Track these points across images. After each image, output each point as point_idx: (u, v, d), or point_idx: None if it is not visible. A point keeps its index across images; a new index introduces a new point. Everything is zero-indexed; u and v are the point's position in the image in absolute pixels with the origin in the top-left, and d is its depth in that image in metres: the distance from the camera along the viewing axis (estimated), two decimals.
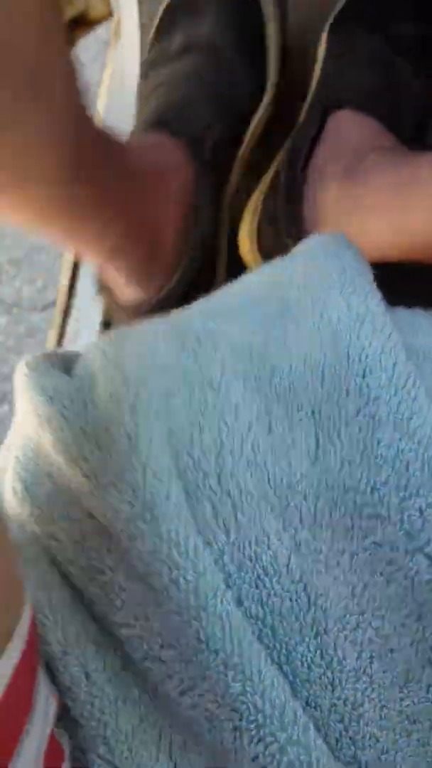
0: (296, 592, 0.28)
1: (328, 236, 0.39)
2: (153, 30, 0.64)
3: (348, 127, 0.54)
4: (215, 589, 0.27)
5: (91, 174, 0.46)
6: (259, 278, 0.38)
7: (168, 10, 0.63)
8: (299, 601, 0.28)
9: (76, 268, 0.78)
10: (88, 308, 0.74)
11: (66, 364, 0.38)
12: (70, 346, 0.73)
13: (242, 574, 0.28)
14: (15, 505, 0.34)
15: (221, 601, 0.26)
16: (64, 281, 0.78)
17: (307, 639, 0.27)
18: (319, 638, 0.27)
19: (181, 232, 0.56)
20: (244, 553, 0.29)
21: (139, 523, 0.28)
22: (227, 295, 0.38)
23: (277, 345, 0.32)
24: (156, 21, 0.64)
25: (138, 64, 0.77)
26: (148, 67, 0.65)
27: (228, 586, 0.27)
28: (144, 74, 0.65)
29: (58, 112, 0.40)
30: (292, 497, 0.29)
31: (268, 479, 0.29)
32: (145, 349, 0.33)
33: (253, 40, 0.60)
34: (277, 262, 0.39)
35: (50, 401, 0.32)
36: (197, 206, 0.55)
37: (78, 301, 0.76)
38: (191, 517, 0.28)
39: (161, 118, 0.58)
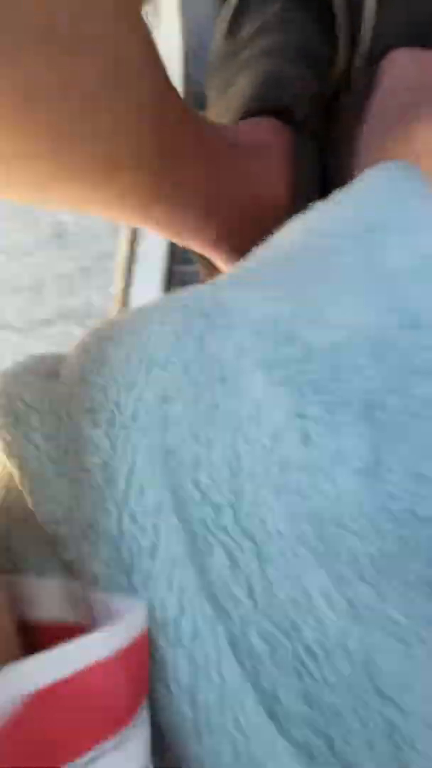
0: (360, 685, 0.18)
1: (389, 166, 0.29)
2: (224, 25, 0.62)
3: (404, 66, 0.46)
4: (233, 699, 0.17)
5: (182, 157, 0.43)
6: (301, 225, 0.29)
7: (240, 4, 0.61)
8: (366, 698, 0.18)
9: (129, 272, 0.72)
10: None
11: (58, 366, 0.30)
12: None
13: (276, 659, 0.19)
14: None
15: (242, 720, 0.17)
16: (119, 285, 0.72)
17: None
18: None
19: (287, 209, 0.50)
20: (277, 627, 0.19)
21: (112, 589, 0.19)
22: (253, 255, 0.29)
23: (312, 314, 0.23)
24: (228, 16, 0.62)
25: (179, 47, 0.74)
26: (219, 62, 0.61)
27: (255, 688, 0.18)
28: (215, 68, 0.62)
29: (144, 91, 0.37)
30: (342, 537, 0.19)
31: (307, 512, 0.20)
32: (136, 339, 0.24)
33: (321, 5, 0.56)
34: (322, 204, 0.29)
35: (14, 422, 0.24)
36: (301, 180, 0.51)
37: (135, 303, 0.69)
38: (196, 578, 0.20)
39: (250, 100, 0.53)
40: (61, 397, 0.25)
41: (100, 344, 0.26)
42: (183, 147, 0.43)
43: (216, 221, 0.48)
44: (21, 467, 0.24)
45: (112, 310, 0.71)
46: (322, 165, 0.54)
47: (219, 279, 0.29)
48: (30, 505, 0.25)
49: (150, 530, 0.20)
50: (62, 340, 1.08)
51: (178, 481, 0.21)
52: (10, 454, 0.25)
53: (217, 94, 0.60)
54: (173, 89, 0.43)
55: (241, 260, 0.31)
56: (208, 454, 0.22)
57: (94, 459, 0.22)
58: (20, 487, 0.25)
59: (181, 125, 0.43)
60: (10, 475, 0.26)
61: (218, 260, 0.53)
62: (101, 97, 0.36)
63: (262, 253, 0.29)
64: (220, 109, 0.58)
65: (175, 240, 0.56)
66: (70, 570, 0.22)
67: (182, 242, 0.52)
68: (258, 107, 0.53)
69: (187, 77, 0.80)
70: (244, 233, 0.49)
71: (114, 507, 0.21)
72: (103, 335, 0.26)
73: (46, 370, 0.29)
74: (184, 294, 0.28)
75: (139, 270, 0.71)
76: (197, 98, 0.78)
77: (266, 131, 0.52)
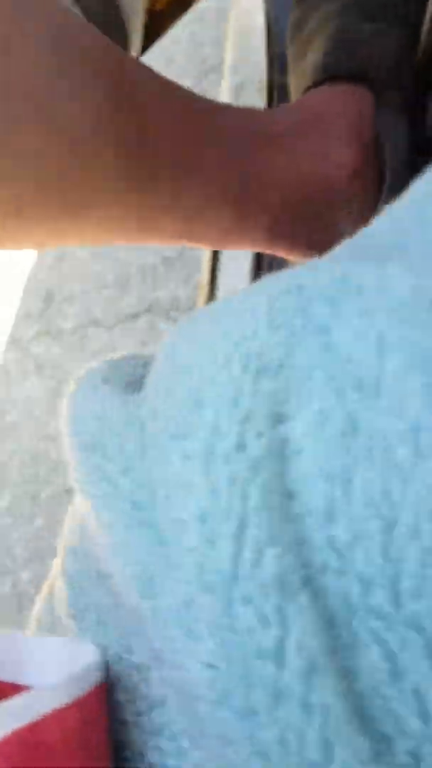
0: None
1: None
2: None
3: None
4: None
5: (192, 168, 0.36)
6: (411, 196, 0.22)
7: None
8: None
9: (215, 259, 0.66)
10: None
11: (144, 370, 0.25)
12: None
13: None
14: (63, 618, 0.21)
15: None
16: (206, 274, 0.66)
17: None
18: None
19: (357, 185, 0.44)
20: None
21: (222, 710, 0.13)
22: (382, 221, 0.22)
23: None
24: None
25: (261, 15, 0.69)
26: (295, 28, 0.56)
27: None
28: (291, 38, 0.56)
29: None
30: None
31: None
32: (235, 337, 0.18)
33: None
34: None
35: (86, 450, 0.19)
36: (375, 153, 0.44)
37: (221, 294, 0.64)
38: (340, 692, 0.13)
39: (319, 68, 0.47)
40: (144, 417, 0.20)
41: (188, 345, 0.20)
42: (190, 155, 0.36)
43: (257, 216, 0.41)
44: (93, 509, 0.19)
45: (199, 301, 0.65)
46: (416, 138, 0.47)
47: (334, 251, 0.22)
48: (106, 562, 0.19)
49: (272, 617, 0.14)
50: (149, 334, 1.04)
51: (305, 539, 0.15)
52: (82, 490, 0.19)
53: (294, 61, 0.54)
54: (171, 90, 0.36)
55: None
56: (347, 497, 0.15)
57: (188, 506, 0.16)
58: (96, 535, 0.19)
59: (183, 129, 0.36)
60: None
61: (282, 253, 0.46)
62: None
63: (392, 210, 0.23)
64: (296, 78, 0.52)
65: (220, 248, 0.49)
66: (157, 659, 0.16)
67: (230, 248, 0.45)
68: (329, 74, 0.47)
69: (270, 48, 0.73)
70: (299, 220, 0.43)
71: (218, 580, 0.14)
72: (191, 334, 0.20)
73: (126, 379, 0.24)
74: (293, 273, 0.22)
75: (225, 257, 0.65)
76: (284, 71, 0.71)
77: (331, 102, 0.45)
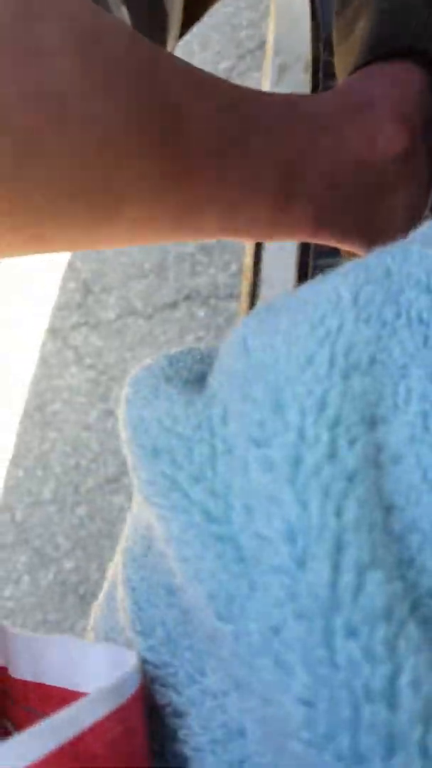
0: None
1: None
2: None
3: None
4: None
5: (228, 155, 0.35)
6: None
7: None
8: None
9: (259, 243, 0.64)
10: (280, 286, 0.59)
11: (209, 367, 0.24)
12: None
13: None
14: (127, 630, 0.20)
15: None
16: (249, 260, 0.64)
17: None
18: None
19: (411, 168, 0.41)
20: None
21: (324, 754, 0.12)
22: None
23: None
24: None
25: None
26: (341, 2, 0.53)
27: None
28: (337, 12, 0.54)
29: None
30: None
31: None
32: (318, 331, 0.17)
33: None
34: None
35: (150, 457, 0.18)
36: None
37: (266, 279, 0.62)
38: None
39: (366, 47, 0.45)
40: (214, 419, 0.18)
41: (264, 341, 0.18)
42: (229, 147, 0.34)
43: (302, 206, 0.39)
44: (161, 520, 0.17)
45: (242, 288, 0.63)
46: None
47: (405, 240, 0.21)
48: (175, 576, 0.18)
49: (381, 652, 0.12)
50: (187, 323, 1.02)
51: (410, 560, 0.14)
52: (147, 500, 0.18)
53: (340, 38, 0.52)
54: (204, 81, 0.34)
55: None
56: None
57: (272, 521, 0.15)
58: (164, 547, 0.18)
59: (218, 119, 0.34)
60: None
61: (329, 243, 0.44)
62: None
63: None
64: (343, 56, 0.50)
65: (264, 240, 0.47)
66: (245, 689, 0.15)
67: (275, 240, 0.43)
68: (378, 51, 0.44)
69: (315, 24, 0.70)
70: (347, 207, 0.41)
71: (314, 607, 0.13)
72: (266, 328, 0.19)
73: (186, 376, 0.22)
74: (375, 257, 0.20)
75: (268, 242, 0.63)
76: (330, 47, 0.69)
77: (379, 82, 0.43)
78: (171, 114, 0.31)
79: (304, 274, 0.58)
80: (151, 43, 0.32)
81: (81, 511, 1.12)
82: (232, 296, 0.99)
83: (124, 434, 0.20)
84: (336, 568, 0.14)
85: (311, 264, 0.59)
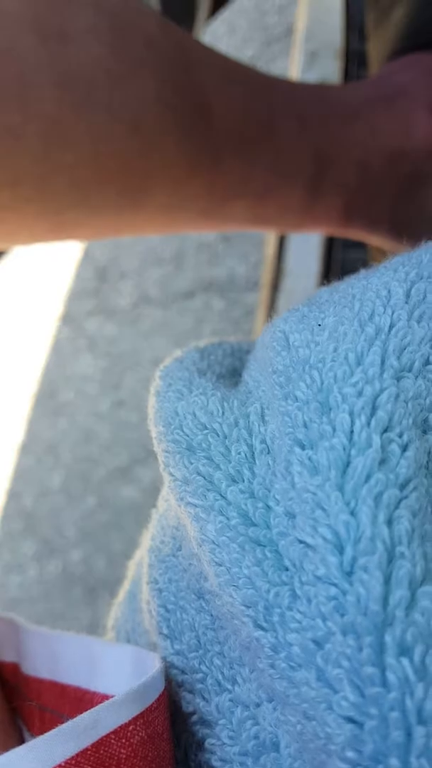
0: None
1: None
2: None
3: None
4: None
5: (259, 141, 0.34)
6: None
7: None
8: None
9: (283, 235, 0.63)
10: (304, 278, 0.58)
11: (240, 361, 0.23)
12: None
13: None
14: (152, 633, 0.19)
15: None
16: (271, 251, 0.63)
17: None
18: None
19: None
20: None
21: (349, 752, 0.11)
22: None
23: None
24: None
25: None
26: None
27: None
28: (374, 0, 0.52)
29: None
30: None
31: None
32: (370, 330, 0.16)
33: None
34: None
35: (186, 453, 0.17)
36: None
37: (289, 271, 0.60)
38: None
39: (402, 36, 0.44)
40: (252, 416, 0.17)
41: (307, 337, 0.17)
42: (259, 135, 0.34)
43: (332, 196, 0.38)
44: (195, 521, 0.16)
45: (263, 279, 0.62)
46: None
47: None
48: (207, 580, 0.17)
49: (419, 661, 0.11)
50: (204, 314, 1.01)
51: None
52: (181, 499, 0.17)
53: (374, 26, 0.51)
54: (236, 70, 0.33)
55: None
56: None
57: (318, 529, 0.14)
58: (197, 550, 0.17)
59: (250, 107, 0.34)
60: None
61: (360, 236, 0.43)
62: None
63: None
64: (377, 45, 0.49)
65: (293, 231, 0.46)
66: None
67: (304, 231, 0.42)
68: (416, 41, 0.43)
69: (348, 10, 0.69)
70: (379, 199, 0.39)
71: (364, 622, 0.12)
72: (310, 324, 0.18)
73: (218, 370, 0.21)
74: (425, 250, 0.19)
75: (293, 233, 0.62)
76: (362, 34, 0.67)
77: (416, 72, 0.41)
78: (199, 101, 0.30)
79: (329, 266, 0.57)
80: (179, 29, 0.31)
81: (90, 501, 1.11)
82: (251, 288, 0.98)
83: (154, 429, 0.19)
84: (388, 581, 0.13)
85: (339, 257, 0.57)
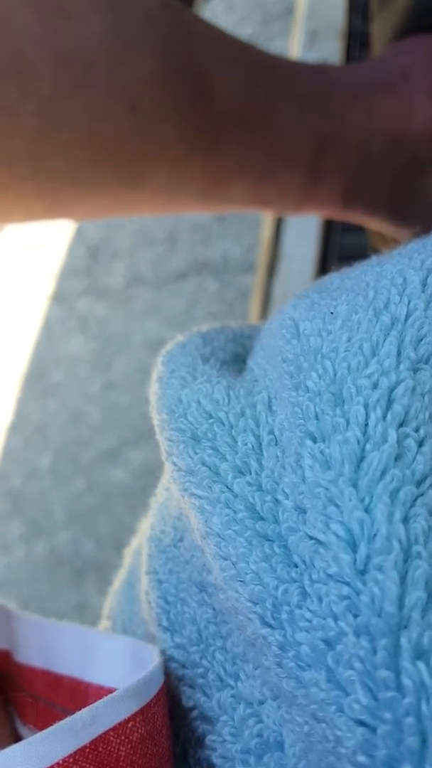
0: None
1: None
2: None
3: None
4: None
5: (257, 122, 0.33)
6: None
7: None
8: None
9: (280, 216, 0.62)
10: (300, 261, 0.57)
11: (242, 347, 0.22)
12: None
13: None
14: (151, 625, 0.19)
15: None
16: (268, 232, 0.62)
17: None
18: None
19: None
20: None
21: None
22: None
23: None
24: None
25: None
26: None
27: None
28: None
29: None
30: None
31: None
32: (386, 319, 0.15)
33: None
34: None
35: (190, 443, 0.16)
36: None
37: (286, 253, 0.60)
38: None
39: (405, 19, 0.43)
40: (258, 406, 0.17)
41: (318, 325, 0.17)
42: (259, 115, 0.33)
43: (332, 179, 0.37)
44: (199, 512, 0.16)
45: (259, 262, 0.61)
46: None
47: None
48: (210, 573, 0.16)
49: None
50: (197, 296, 1.00)
51: None
52: (185, 490, 0.16)
53: (378, 6, 0.49)
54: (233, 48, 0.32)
55: None
56: None
57: (330, 525, 0.13)
58: (200, 542, 0.16)
59: (252, 86, 0.33)
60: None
61: (359, 220, 0.43)
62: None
63: None
64: (381, 26, 0.48)
65: (292, 214, 0.46)
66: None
67: (302, 213, 0.42)
68: (419, 24, 0.42)
69: None
70: (379, 183, 0.39)
71: (379, 624, 0.12)
72: (321, 311, 0.17)
73: (222, 357, 0.21)
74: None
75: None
76: (364, 15, 0.66)
77: (420, 54, 0.40)
78: (199, 80, 0.29)
79: (326, 250, 0.56)
80: (180, 6, 0.30)
81: (79, 483, 1.11)
82: (246, 270, 0.97)
83: (157, 417, 0.18)
84: (403, 582, 0.12)
85: (336, 240, 0.57)
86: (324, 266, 0.56)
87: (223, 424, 0.16)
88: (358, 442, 0.14)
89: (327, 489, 0.13)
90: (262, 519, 0.15)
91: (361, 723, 0.12)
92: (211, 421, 0.16)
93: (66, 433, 1.14)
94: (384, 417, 0.14)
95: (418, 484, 0.13)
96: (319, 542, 0.13)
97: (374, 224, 0.41)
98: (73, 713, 0.15)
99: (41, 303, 1.24)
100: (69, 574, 1.04)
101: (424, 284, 0.16)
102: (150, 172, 0.29)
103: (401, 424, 0.14)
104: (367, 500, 0.13)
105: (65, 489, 1.11)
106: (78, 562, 1.05)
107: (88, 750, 0.15)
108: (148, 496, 0.22)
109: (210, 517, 0.15)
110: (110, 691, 0.18)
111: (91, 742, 0.15)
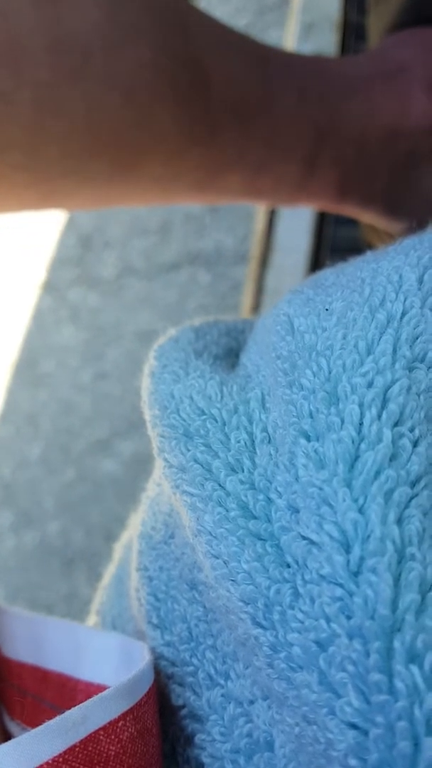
0: None
1: None
2: None
3: None
4: None
5: (253, 115, 0.33)
6: None
7: None
8: None
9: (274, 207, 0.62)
10: (293, 253, 0.57)
11: (236, 341, 0.22)
12: (272, 302, 0.57)
13: None
14: (141, 622, 0.19)
15: None
16: (262, 223, 0.62)
17: None
18: None
19: None
20: None
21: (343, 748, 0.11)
22: None
23: None
24: None
25: None
26: None
27: None
28: None
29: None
30: None
31: None
32: (381, 317, 0.15)
33: None
34: None
35: (182, 439, 0.16)
36: None
37: (279, 245, 0.59)
38: None
39: (400, 12, 0.43)
40: (252, 403, 0.17)
41: (313, 322, 0.17)
42: (256, 107, 0.33)
43: (328, 171, 0.37)
44: (191, 510, 0.16)
45: (253, 253, 0.61)
46: None
47: None
48: (201, 571, 0.16)
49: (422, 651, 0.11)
50: (189, 287, 1.00)
51: None
52: (177, 487, 0.16)
53: (376, 1, 0.49)
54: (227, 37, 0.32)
55: None
56: None
57: (323, 526, 0.13)
58: (191, 540, 0.16)
59: (245, 78, 0.33)
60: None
61: (354, 213, 0.43)
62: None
63: None
64: (377, 18, 0.47)
65: (287, 205, 0.45)
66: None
67: (297, 205, 0.42)
68: (416, 16, 0.41)
69: None
70: (375, 177, 0.39)
71: (372, 626, 0.12)
72: (317, 308, 0.17)
73: (215, 351, 0.20)
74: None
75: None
76: (360, 7, 0.66)
77: (417, 47, 0.40)
78: (196, 70, 0.29)
79: (320, 243, 0.56)
80: None
81: (70, 473, 1.11)
82: (238, 261, 0.96)
83: (149, 412, 0.18)
84: (397, 584, 0.12)
85: (330, 233, 0.56)
86: (317, 258, 0.56)
87: (216, 420, 0.16)
88: (353, 441, 0.13)
89: (320, 489, 0.13)
90: (255, 518, 0.14)
91: (353, 726, 0.12)
92: (203, 417, 0.16)
93: (57, 423, 1.14)
94: (379, 416, 0.14)
95: (413, 484, 0.13)
96: (312, 542, 0.13)
97: (368, 217, 0.41)
98: (62, 709, 0.15)
99: (32, 292, 1.23)
100: (59, 564, 1.04)
101: (420, 281, 0.16)
102: (145, 163, 0.29)
103: (396, 424, 0.14)
104: (361, 501, 0.13)
105: (55, 479, 1.11)
106: (68, 552, 1.05)
107: (77, 749, 0.15)
108: (139, 486, 0.22)
109: (202, 514, 0.15)
110: (100, 687, 0.18)
111: (81, 742, 0.15)
